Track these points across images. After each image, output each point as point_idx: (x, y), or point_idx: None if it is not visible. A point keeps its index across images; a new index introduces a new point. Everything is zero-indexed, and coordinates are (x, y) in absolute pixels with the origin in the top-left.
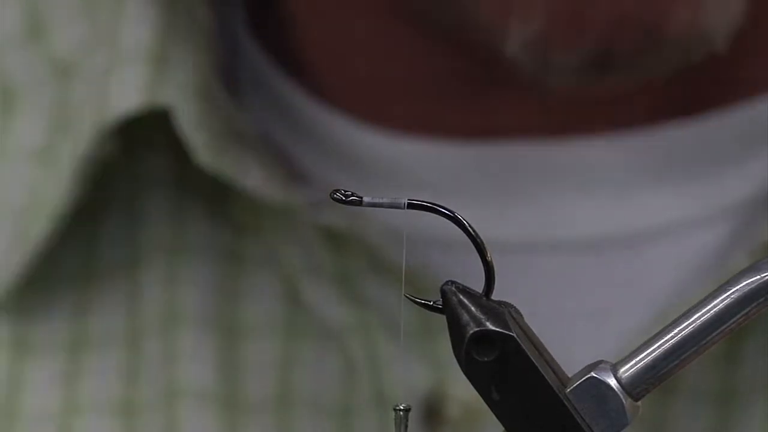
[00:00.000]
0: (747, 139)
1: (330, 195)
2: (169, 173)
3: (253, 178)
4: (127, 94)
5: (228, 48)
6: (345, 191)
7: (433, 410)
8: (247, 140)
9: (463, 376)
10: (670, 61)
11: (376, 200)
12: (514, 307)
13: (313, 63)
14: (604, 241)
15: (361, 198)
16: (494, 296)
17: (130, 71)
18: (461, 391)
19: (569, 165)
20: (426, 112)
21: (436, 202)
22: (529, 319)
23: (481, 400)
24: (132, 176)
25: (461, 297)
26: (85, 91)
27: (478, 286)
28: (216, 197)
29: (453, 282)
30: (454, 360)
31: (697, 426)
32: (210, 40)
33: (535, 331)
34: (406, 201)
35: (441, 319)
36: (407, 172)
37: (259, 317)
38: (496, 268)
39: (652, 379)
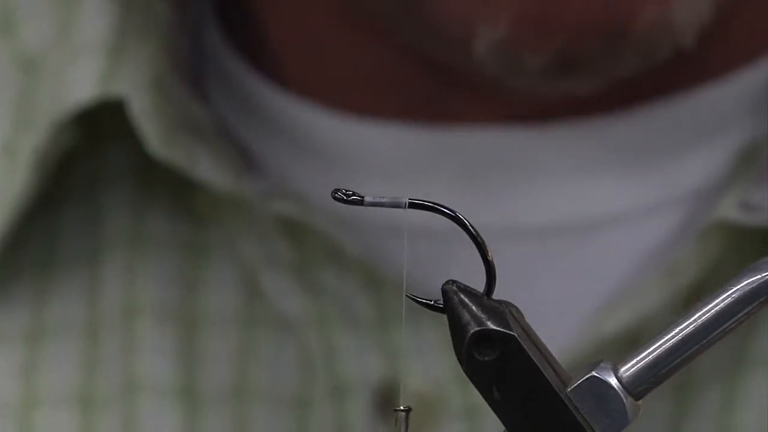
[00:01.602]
0: (698, 129)
1: (331, 194)
2: (130, 165)
3: (203, 167)
4: (81, 86)
5: (190, 40)
6: (346, 191)
7: (386, 401)
8: (201, 131)
9: (418, 366)
10: (636, 60)
11: (377, 200)
12: (515, 307)
13: (274, 51)
14: (555, 228)
15: (363, 198)
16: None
17: (85, 63)
18: (416, 381)
19: (522, 153)
20: (385, 99)
21: (437, 202)
22: None
23: (435, 391)
24: (93, 168)
25: (462, 296)
26: (45, 86)
27: (434, 272)
28: (176, 189)
29: (454, 281)
30: (409, 352)
31: (655, 412)
32: (168, 32)
33: None
34: (408, 201)
35: (396, 310)
36: (366, 158)
37: (218, 309)
38: (446, 254)
39: (653, 379)
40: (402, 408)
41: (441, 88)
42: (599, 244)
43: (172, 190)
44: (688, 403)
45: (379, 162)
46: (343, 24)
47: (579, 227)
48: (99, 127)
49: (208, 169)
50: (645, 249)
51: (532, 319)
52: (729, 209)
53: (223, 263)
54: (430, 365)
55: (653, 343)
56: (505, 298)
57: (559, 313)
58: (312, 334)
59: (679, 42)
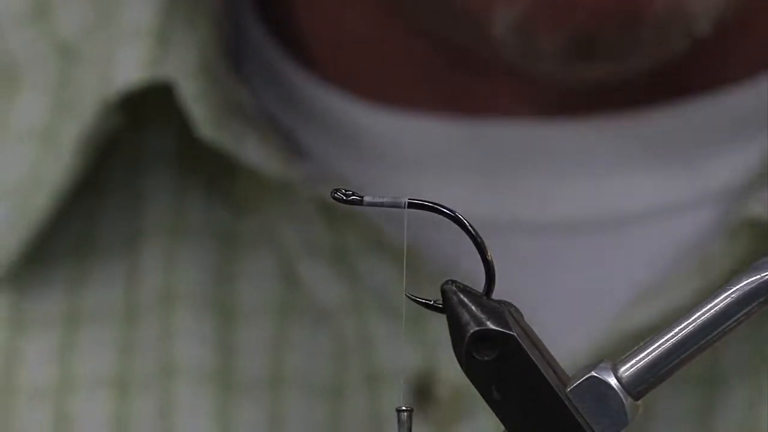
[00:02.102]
0: (732, 125)
1: (331, 194)
2: (170, 152)
3: (253, 152)
4: (129, 69)
5: (232, 28)
6: (346, 191)
7: (423, 391)
8: (248, 115)
9: (453, 357)
10: (652, 48)
11: (377, 200)
12: (515, 307)
13: (312, 42)
14: (586, 223)
15: (362, 197)
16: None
17: (133, 47)
18: (451, 372)
19: (554, 147)
20: (416, 90)
21: (437, 202)
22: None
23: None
24: (134, 154)
25: (461, 296)
26: (88, 71)
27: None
28: (216, 176)
29: (453, 281)
30: (444, 341)
31: (682, 408)
32: (214, 18)
33: None
34: (407, 200)
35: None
36: (395, 148)
37: (255, 297)
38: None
39: (653, 379)
40: (404, 408)
41: (471, 79)
42: (630, 240)
43: (210, 176)
44: (714, 398)
45: (411, 153)
46: (372, 13)
47: (610, 222)
48: (139, 113)
49: (256, 153)
50: (676, 245)
51: (561, 313)
52: (759, 207)
53: (260, 251)
54: None
55: (653, 343)
56: (534, 293)
57: (589, 308)
58: (348, 322)
59: (694, 30)
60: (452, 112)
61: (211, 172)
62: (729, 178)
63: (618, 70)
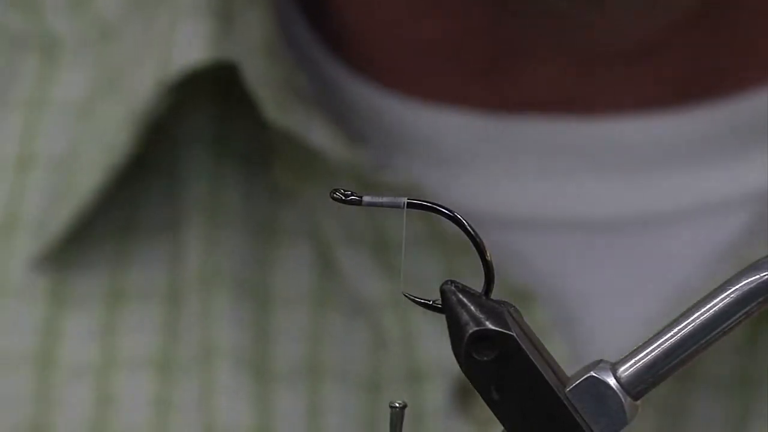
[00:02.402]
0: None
1: (330, 194)
2: (210, 135)
3: (319, 134)
4: (191, 49)
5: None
6: (345, 191)
7: (464, 390)
8: (310, 97)
9: None
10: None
11: (376, 200)
12: (514, 307)
13: (349, 36)
14: (625, 221)
15: (361, 197)
16: (515, 272)
17: (194, 26)
18: None
19: (592, 143)
20: (454, 83)
21: (437, 202)
22: (548, 298)
23: None
24: (175, 136)
25: (460, 296)
26: (132, 51)
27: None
28: (255, 161)
29: (452, 281)
30: None
31: (717, 414)
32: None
33: (553, 311)
34: (406, 200)
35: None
36: (434, 143)
37: (292, 285)
38: (516, 245)
39: (652, 379)
40: (397, 404)
41: (508, 72)
42: (669, 239)
43: (250, 161)
44: (750, 402)
45: (450, 148)
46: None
47: (648, 220)
48: (186, 94)
49: (323, 136)
50: (715, 245)
51: (601, 312)
52: None
53: (298, 239)
54: None
55: (652, 343)
56: (574, 290)
57: (627, 306)
58: (389, 315)
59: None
60: (488, 106)
61: (250, 157)
62: (766, 178)
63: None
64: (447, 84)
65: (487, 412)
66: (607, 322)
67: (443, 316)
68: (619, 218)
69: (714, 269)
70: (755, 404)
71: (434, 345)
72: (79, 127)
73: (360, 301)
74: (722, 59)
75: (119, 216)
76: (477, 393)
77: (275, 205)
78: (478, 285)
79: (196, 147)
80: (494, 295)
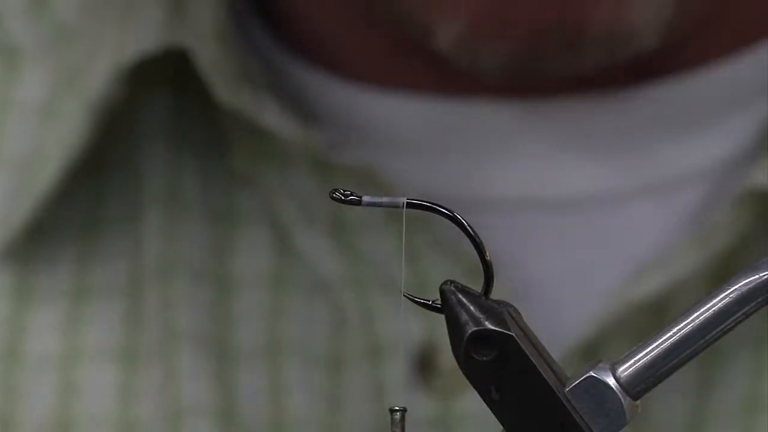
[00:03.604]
0: (726, 99)
1: (329, 194)
2: (167, 125)
3: (271, 115)
4: (144, 36)
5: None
6: (344, 191)
7: (424, 362)
8: (261, 82)
9: None
10: (593, 60)
11: (375, 200)
12: (513, 307)
13: (297, 25)
14: (584, 199)
15: (360, 197)
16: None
17: (147, 14)
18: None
19: (554, 123)
20: (404, 69)
21: (436, 202)
22: (514, 277)
23: None
24: (132, 128)
25: (460, 296)
26: (92, 45)
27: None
28: (212, 149)
29: (452, 281)
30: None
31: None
32: None
33: (520, 290)
34: (405, 200)
35: (434, 277)
36: (386, 128)
37: (251, 268)
38: (477, 226)
39: (651, 378)
40: (397, 408)
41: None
42: (630, 215)
43: (206, 149)
44: (713, 373)
45: (407, 133)
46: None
47: (609, 198)
48: (140, 85)
49: (276, 117)
50: (675, 219)
51: (564, 289)
52: (762, 177)
53: (256, 223)
54: None
55: (651, 343)
56: (536, 270)
57: (589, 282)
58: (347, 294)
59: (638, 43)
60: (439, 92)
61: (206, 144)
62: (724, 152)
63: (564, 75)
64: (398, 69)
65: (448, 384)
66: (568, 300)
67: (401, 293)
68: (577, 196)
69: (674, 241)
70: (719, 373)
71: (392, 321)
72: (41, 126)
73: (319, 281)
74: (677, 36)
75: (81, 210)
76: (436, 365)
77: (233, 190)
78: (438, 261)
79: (154, 138)
80: (446, 271)
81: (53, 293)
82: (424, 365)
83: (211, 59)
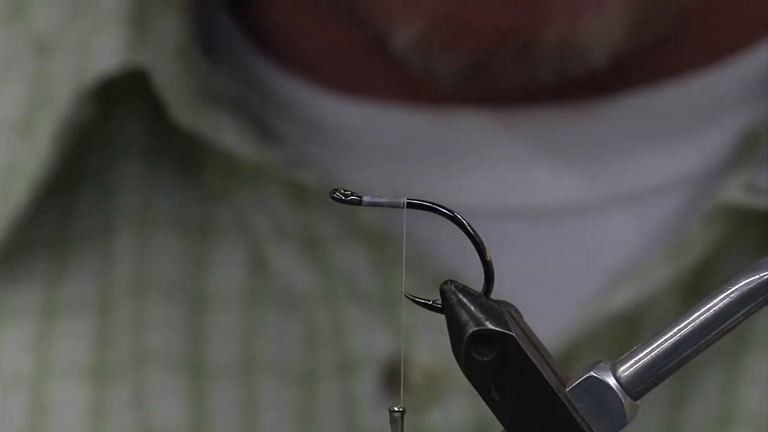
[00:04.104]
0: (701, 112)
1: (330, 194)
2: (141, 141)
3: (228, 135)
4: (105, 56)
5: (202, 17)
6: (345, 191)
7: (395, 376)
8: (223, 101)
9: (425, 342)
10: (546, 71)
11: (376, 200)
12: (514, 307)
13: (275, 33)
14: (560, 208)
15: (361, 197)
16: (448, 260)
17: (109, 34)
18: (423, 356)
19: (526, 132)
20: (378, 79)
21: (436, 202)
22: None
23: (443, 365)
24: (106, 144)
25: (460, 296)
26: (63, 63)
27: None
28: (187, 165)
29: (452, 281)
30: (417, 326)
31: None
32: (186, 5)
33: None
34: (406, 201)
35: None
36: (360, 137)
37: (226, 284)
38: (452, 234)
39: (652, 378)
40: (397, 409)
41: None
42: (603, 225)
43: (181, 165)
44: (688, 385)
45: (376, 141)
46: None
47: (583, 207)
48: (110, 102)
49: (232, 137)
50: (648, 230)
51: (536, 299)
52: (734, 191)
53: (231, 239)
54: (437, 339)
55: (652, 343)
56: (510, 278)
57: (563, 292)
58: (319, 308)
59: (589, 60)
60: (410, 101)
61: (182, 160)
62: (700, 163)
63: (515, 87)
64: (368, 78)
65: (418, 399)
66: (540, 310)
67: (373, 308)
68: (551, 206)
69: (649, 252)
70: (692, 385)
71: (363, 335)
72: (17, 142)
73: (292, 297)
74: (654, 49)
75: (52, 227)
76: (407, 379)
77: (207, 206)
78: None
79: (128, 154)
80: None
81: (24, 311)
82: (394, 379)
83: (169, 79)
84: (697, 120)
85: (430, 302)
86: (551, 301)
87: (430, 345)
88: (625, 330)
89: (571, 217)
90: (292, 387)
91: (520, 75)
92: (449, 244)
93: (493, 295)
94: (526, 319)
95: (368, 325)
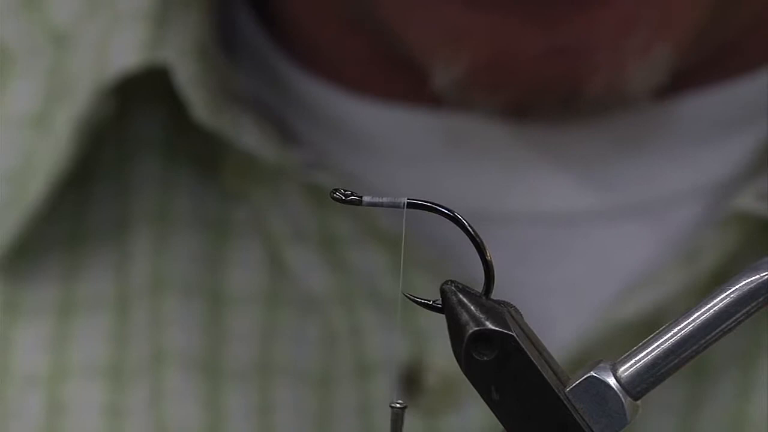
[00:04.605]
0: (722, 122)
1: (330, 194)
2: (159, 139)
3: (249, 136)
4: (126, 53)
5: (223, 16)
6: (345, 191)
7: (412, 379)
8: (243, 101)
9: (442, 346)
10: (590, 108)
11: (376, 200)
12: (514, 307)
13: (296, 33)
14: (576, 215)
15: (361, 197)
16: (465, 263)
17: (130, 31)
18: (440, 360)
19: (546, 138)
20: (404, 84)
21: (436, 202)
22: (502, 290)
23: (459, 369)
24: (124, 141)
25: (460, 296)
26: (82, 57)
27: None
28: (205, 163)
29: (452, 281)
30: (434, 330)
31: (668, 400)
32: (208, 2)
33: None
34: (406, 201)
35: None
36: (380, 138)
37: (243, 285)
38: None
39: (652, 379)
40: (398, 404)
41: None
42: (621, 232)
43: (199, 164)
44: (702, 391)
45: (396, 143)
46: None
47: (601, 214)
48: (129, 99)
49: (253, 137)
50: (665, 238)
51: (553, 304)
52: (748, 200)
53: (248, 239)
54: None
55: (652, 343)
56: (525, 284)
57: (580, 298)
58: (337, 311)
59: (633, 99)
60: (434, 107)
61: (200, 159)
62: (719, 172)
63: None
64: (394, 83)
65: (434, 403)
66: (563, 314)
67: (390, 310)
68: (570, 212)
69: (667, 259)
70: (708, 391)
71: (381, 338)
72: (34, 137)
73: (310, 298)
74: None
75: (69, 224)
76: (423, 384)
77: (225, 206)
78: (421, 274)
79: (146, 152)
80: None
81: (41, 309)
82: (411, 383)
83: (191, 77)
84: (716, 130)
85: (431, 302)
86: (566, 307)
87: (447, 349)
88: (640, 337)
89: (587, 223)
90: (309, 389)
91: (559, 117)
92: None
93: (512, 296)
94: (540, 324)
95: (386, 327)
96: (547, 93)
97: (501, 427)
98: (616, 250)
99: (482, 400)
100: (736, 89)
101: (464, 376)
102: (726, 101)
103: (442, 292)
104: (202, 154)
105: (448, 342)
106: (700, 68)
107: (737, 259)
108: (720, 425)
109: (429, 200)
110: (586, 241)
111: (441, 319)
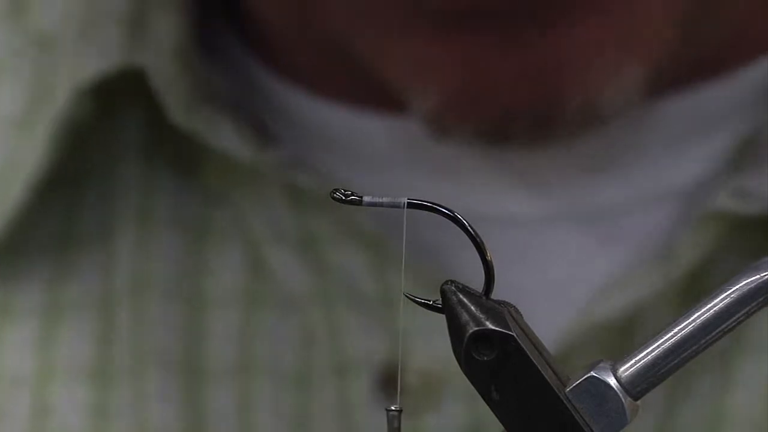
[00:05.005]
0: (698, 123)
1: (330, 194)
2: (141, 141)
3: (225, 137)
4: (103, 55)
5: (200, 19)
6: (345, 191)
7: (391, 380)
8: (220, 102)
9: (421, 345)
10: (563, 128)
11: (376, 200)
12: (514, 307)
13: (269, 38)
14: (554, 217)
15: (361, 197)
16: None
17: (108, 34)
18: (419, 359)
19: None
20: (373, 91)
21: (437, 202)
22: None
23: (440, 369)
24: (107, 143)
25: (461, 296)
26: (63, 61)
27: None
28: (186, 165)
29: (453, 281)
30: (413, 329)
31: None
32: (185, 6)
33: None
34: (406, 201)
35: (400, 290)
36: (355, 144)
37: (224, 285)
38: (449, 237)
39: (652, 378)
40: (394, 408)
41: None
42: (598, 234)
43: (180, 165)
44: (681, 388)
45: (365, 149)
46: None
47: (578, 216)
48: (111, 101)
49: (228, 138)
50: (644, 239)
51: (529, 304)
52: (723, 199)
53: (229, 240)
54: (434, 343)
55: (652, 343)
56: (509, 284)
57: (556, 299)
58: (316, 311)
59: (606, 114)
60: (404, 112)
61: (180, 161)
62: (695, 173)
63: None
64: (365, 91)
65: (413, 403)
66: (542, 315)
67: (370, 310)
68: (548, 213)
69: (640, 260)
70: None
71: (359, 338)
72: (16, 139)
73: (289, 298)
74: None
75: (55, 227)
76: (404, 383)
77: (205, 207)
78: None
79: (129, 153)
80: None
81: (27, 311)
82: (390, 383)
83: (167, 79)
84: (694, 131)
85: (431, 302)
86: (546, 308)
87: (427, 349)
88: (619, 337)
89: (566, 224)
90: (289, 389)
91: (536, 134)
92: (445, 247)
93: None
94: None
95: (365, 327)
96: (517, 117)
97: (499, 428)
98: (593, 252)
99: (462, 400)
100: (709, 90)
101: (443, 375)
102: (700, 104)
103: (442, 292)
104: (183, 156)
105: (428, 341)
106: (673, 72)
107: (716, 257)
108: (699, 422)
109: (429, 201)
110: (562, 243)
111: (420, 319)
